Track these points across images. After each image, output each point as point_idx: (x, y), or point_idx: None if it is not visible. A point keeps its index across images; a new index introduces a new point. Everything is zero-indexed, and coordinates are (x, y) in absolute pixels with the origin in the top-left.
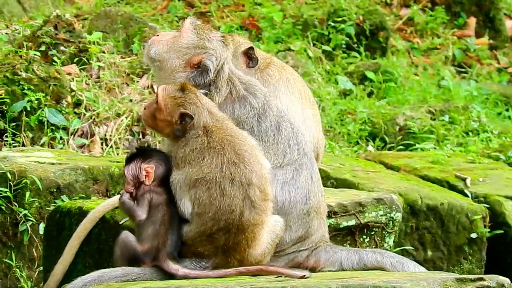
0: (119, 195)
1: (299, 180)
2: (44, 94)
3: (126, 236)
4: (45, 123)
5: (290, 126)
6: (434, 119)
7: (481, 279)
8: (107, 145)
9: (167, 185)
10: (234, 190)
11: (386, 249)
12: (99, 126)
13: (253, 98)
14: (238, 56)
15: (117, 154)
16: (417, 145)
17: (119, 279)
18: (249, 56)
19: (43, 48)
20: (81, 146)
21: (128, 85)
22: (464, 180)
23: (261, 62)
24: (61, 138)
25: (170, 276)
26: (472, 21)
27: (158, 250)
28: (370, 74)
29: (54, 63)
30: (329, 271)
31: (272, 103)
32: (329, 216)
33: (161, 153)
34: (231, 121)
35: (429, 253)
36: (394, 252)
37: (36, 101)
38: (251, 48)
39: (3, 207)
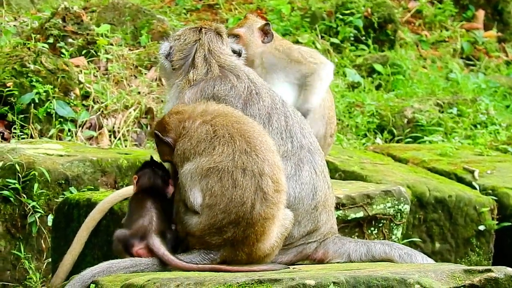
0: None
1: (302, 175)
2: (52, 86)
3: (119, 230)
4: (53, 115)
5: (284, 119)
6: (442, 112)
7: (489, 270)
8: (115, 137)
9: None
10: (246, 181)
11: (394, 241)
12: (107, 118)
13: (235, 78)
14: (254, 31)
15: (125, 146)
16: (425, 138)
17: (127, 269)
18: (265, 32)
19: (51, 40)
20: (89, 138)
21: (136, 77)
22: (472, 172)
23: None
24: (69, 130)
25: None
26: (481, 13)
27: (145, 229)
28: (378, 67)
29: (62, 55)
30: (337, 262)
31: (264, 92)
32: (337, 208)
33: (153, 166)
34: (211, 99)
35: (437, 245)
36: (402, 244)
37: (44, 93)
38: (267, 24)
39: (11, 199)
